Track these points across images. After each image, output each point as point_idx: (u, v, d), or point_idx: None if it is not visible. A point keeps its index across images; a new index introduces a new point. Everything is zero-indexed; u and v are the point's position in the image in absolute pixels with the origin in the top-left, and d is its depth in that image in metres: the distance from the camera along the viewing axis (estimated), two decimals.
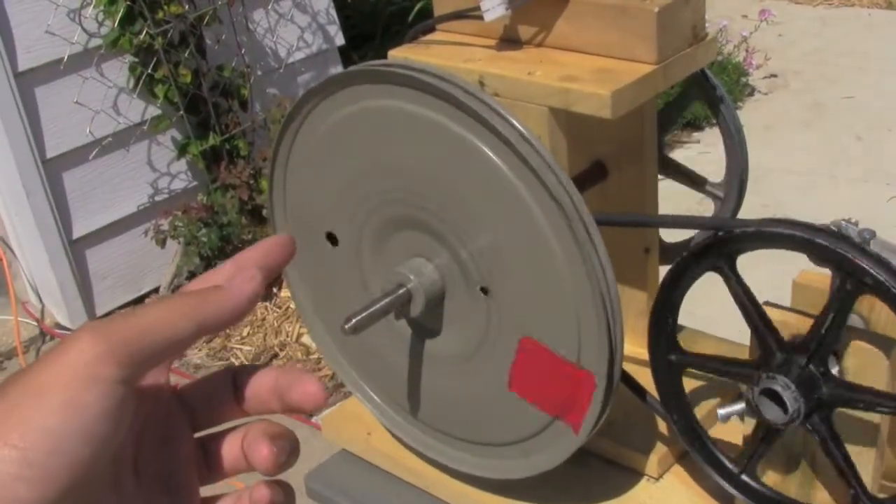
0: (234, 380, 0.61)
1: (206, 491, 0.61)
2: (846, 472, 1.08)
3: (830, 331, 1.06)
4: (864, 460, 1.12)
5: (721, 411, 1.15)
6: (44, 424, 0.50)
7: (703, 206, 3.22)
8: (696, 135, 4.31)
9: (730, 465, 1.17)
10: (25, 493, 0.49)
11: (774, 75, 4.85)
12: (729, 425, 1.19)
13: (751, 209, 3.63)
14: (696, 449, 1.18)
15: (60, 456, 0.50)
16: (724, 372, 1.14)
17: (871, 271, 1.00)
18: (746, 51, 4.71)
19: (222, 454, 0.62)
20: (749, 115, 4.53)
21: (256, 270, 0.59)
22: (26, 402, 0.50)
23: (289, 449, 0.59)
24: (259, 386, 0.61)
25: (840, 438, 1.08)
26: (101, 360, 0.51)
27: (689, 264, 1.10)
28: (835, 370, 1.09)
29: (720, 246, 1.07)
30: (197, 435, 0.62)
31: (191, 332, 0.55)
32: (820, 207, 3.69)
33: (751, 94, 4.71)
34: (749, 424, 1.16)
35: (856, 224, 1.13)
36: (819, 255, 1.05)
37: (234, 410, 0.62)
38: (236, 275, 0.58)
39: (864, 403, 1.06)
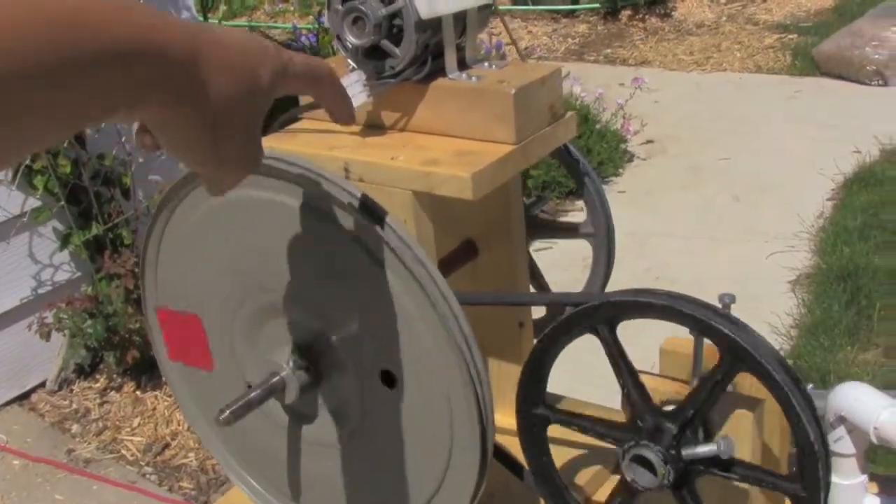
0: None
1: None
2: None
3: (708, 401, 1.09)
4: None
5: None
6: None
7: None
8: (579, 203, 4.39)
9: None
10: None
11: (651, 141, 4.98)
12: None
13: (634, 274, 3.69)
14: None
15: None
16: (592, 431, 1.16)
17: (752, 352, 1.03)
18: (623, 118, 4.82)
19: None
20: (629, 180, 4.64)
21: None
22: None
23: None
24: None
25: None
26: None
27: (570, 325, 1.12)
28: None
29: (595, 313, 1.10)
30: None
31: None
32: (702, 268, 3.78)
33: (630, 160, 4.82)
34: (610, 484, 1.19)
35: (732, 299, 1.16)
36: (679, 320, 1.08)
37: None
38: None
39: (735, 475, 1.09)
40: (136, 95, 0.63)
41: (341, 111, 0.89)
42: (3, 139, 0.55)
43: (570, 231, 1.47)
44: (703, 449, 1.07)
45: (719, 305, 1.13)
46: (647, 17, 6.98)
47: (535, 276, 1.48)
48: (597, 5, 7.15)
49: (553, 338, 1.13)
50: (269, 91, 0.75)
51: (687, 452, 1.07)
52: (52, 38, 0.56)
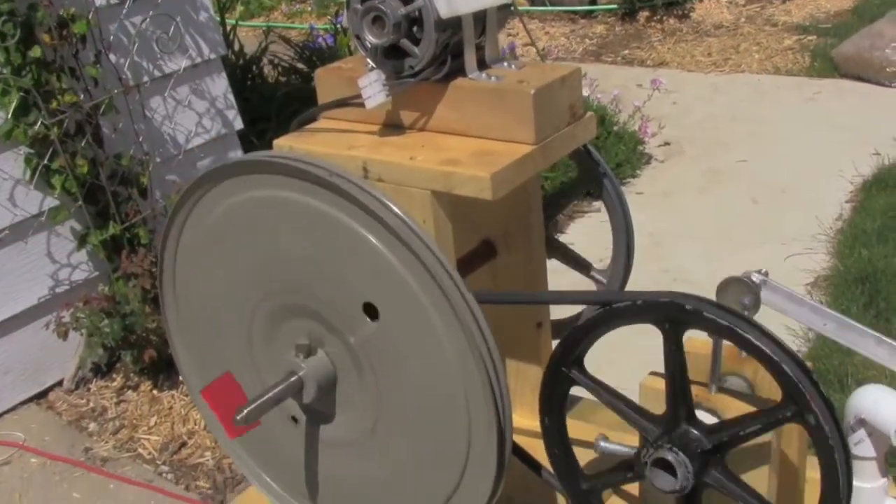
0: None
1: None
2: None
3: (754, 433, 1.10)
4: None
5: (603, 444, 1.18)
6: None
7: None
8: (596, 203, 4.38)
9: None
10: None
11: (669, 143, 4.96)
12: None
13: (652, 275, 3.67)
14: None
15: None
16: (620, 411, 1.16)
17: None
18: (641, 119, 4.81)
19: None
20: (647, 182, 4.62)
21: None
22: None
23: None
24: None
25: None
26: None
27: (636, 311, 1.12)
28: None
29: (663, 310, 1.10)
30: None
31: None
32: (720, 270, 3.75)
33: (648, 162, 4.80)
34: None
35: (765, 274, 1.16)
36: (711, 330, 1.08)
37: None
38: None
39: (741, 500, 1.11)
40: None
41: None
42: None
43: (581, 266, 1.49)
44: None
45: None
46: (665, 18, 6.95)
47: (580, 263, 1.49)
48: (615, 6, 7.13)
49: (611, 317, 1.13)
50: None
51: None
52: None
